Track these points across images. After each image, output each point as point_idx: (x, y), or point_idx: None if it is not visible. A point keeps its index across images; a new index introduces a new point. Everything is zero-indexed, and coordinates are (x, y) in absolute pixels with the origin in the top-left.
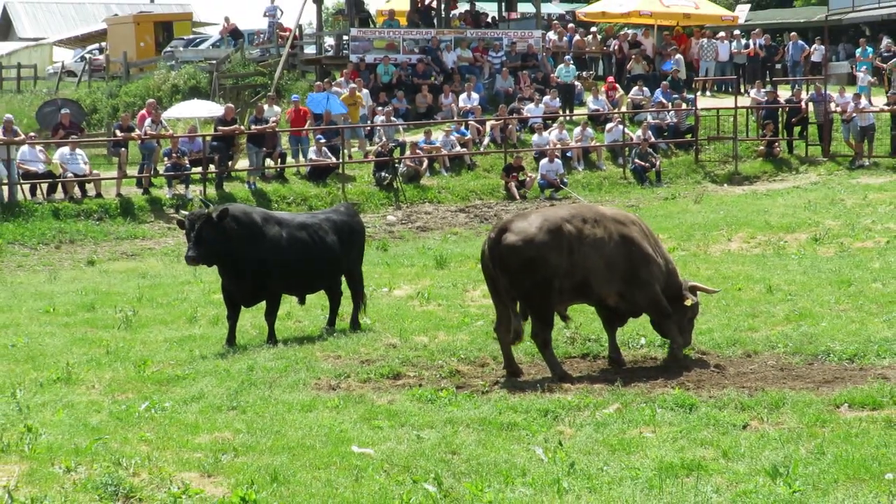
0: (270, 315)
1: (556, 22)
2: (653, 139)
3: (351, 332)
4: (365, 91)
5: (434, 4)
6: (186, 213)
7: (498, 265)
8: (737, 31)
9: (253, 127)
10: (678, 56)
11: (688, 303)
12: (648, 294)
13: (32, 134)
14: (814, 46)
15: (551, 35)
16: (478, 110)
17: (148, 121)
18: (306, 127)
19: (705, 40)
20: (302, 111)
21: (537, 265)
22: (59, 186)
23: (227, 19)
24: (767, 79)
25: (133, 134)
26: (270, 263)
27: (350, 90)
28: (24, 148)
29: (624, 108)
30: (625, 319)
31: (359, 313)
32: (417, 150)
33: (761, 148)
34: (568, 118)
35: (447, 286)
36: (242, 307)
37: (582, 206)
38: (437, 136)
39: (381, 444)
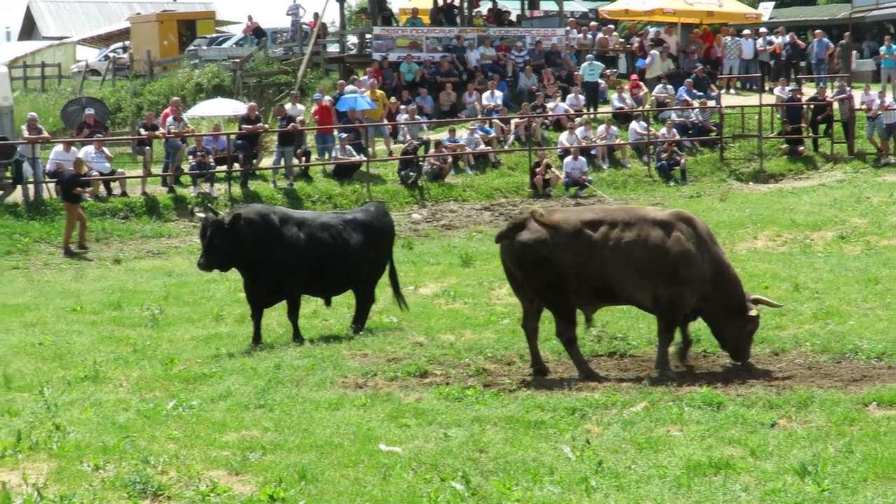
0: (292, 315)
1: (573, 20)
2: (677, 137)
3: (365, 331)
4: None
5: (457, 3)
6: (202, 214)
7: (512, 261)
8: (763, 29)
9: (279, 125)
10: (654, 52)
11: (752, 313)
12: (674, 293)
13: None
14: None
15: (575, 33)
16: (502, 109)
17: (170, 118)
18: (332, 125)
19: (729, 38)
20: (326, 108)
21: (549, 265)
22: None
23: (250, 18)
24: (792, 76)
25: (157, 132)
26: (287, 265)
27: (370, 86)
28: (58, 147)
29: (648, 106)
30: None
31: (364, 316)
32: (442, 149)
33: (784, 146)
34: (592, 116)
35: (473, 284)
36: (265, 306)
37: (619, 209)
38: (462, 134)
39: (408, 442)
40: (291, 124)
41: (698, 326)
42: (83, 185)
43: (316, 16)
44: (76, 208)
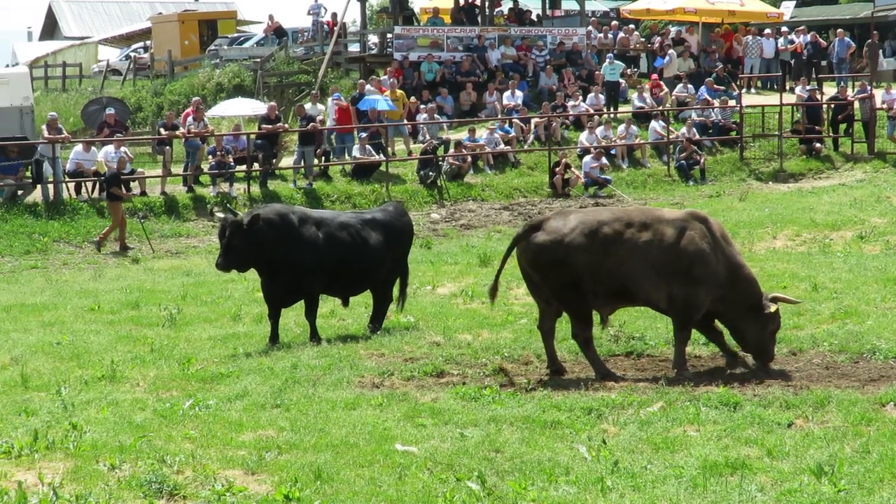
0: (310, 314)
1: (594, 19)
2: (697, 136)
3: (382, 331)
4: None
5: (478, 2)
6: (221, 214)
7: (527, 263)
8: (784, 28)
9: (300, 125)
10: (672, 50)
11: (772, 309)
12: (689, 293)
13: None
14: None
15: (596, 32)
16: (522, 108)
17: (190, 118)
18: (352, 125)
19: (750, 37)
20: (347, 108)
21: (565, 267)
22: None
23: (271, 17)
24: (813, 76)
25: (177, 132)
26: (306, 265)
27: (391, 85)
28: (79, 147)
29: (668, 106)
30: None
31: (382, 316)
32: (461, 149)
33: (802, 146)
34: (612, 116)
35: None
36: (283, 306)
37: (634, 210)
38: (481, 133)
39: (424, 442)
40: (311, 124)
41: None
42: (123, 184)
43: (334, 16)
44: (118, 207)
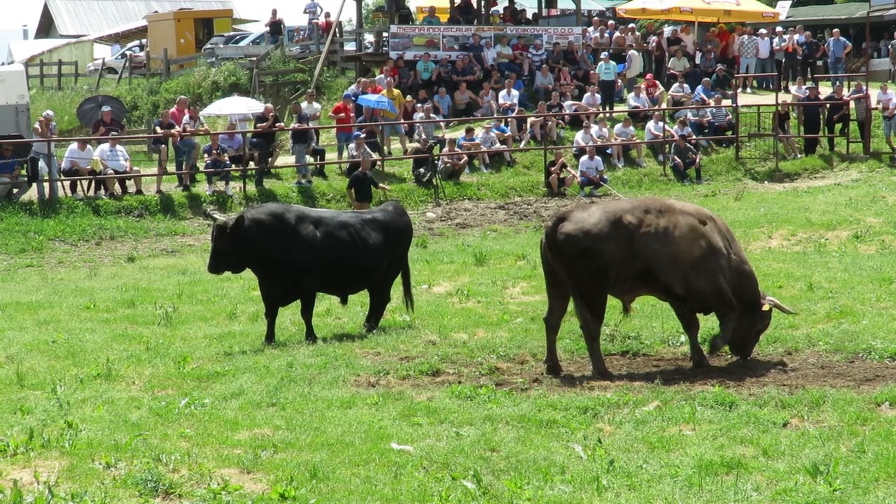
0: (306, 313)
1: (595, 18)
2: (689, 134)
3: (378, 330)
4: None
5: (473, 1)
6: (217, 214)
7: (555, 254)
8: (779, 28)
9: (294, 125)
10: (632, 52)
11: (765, 308)
12: (713, 283)
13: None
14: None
15: (592, 32)
16: (518, 109)
17: (186, 117)
18: (347, 124)
19: (746, 37)
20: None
21: (593, 255)
22: (100, 183)
23: (274, 12)
24: (808, 75)
25: (173, 131)
26: (303, 263)
27: (387, 84)
28: (74, 145)
29: (664, 105)
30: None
31: (379, 315)
32: (457, 148)
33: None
34: (608, 115)
35: (487, 283)
36: (280, 305)
37: (648, 199)
38: (477, 133)
39: (420, 440)
40: (303, 123)
41: (712, 325)
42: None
43: (328, 16)
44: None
